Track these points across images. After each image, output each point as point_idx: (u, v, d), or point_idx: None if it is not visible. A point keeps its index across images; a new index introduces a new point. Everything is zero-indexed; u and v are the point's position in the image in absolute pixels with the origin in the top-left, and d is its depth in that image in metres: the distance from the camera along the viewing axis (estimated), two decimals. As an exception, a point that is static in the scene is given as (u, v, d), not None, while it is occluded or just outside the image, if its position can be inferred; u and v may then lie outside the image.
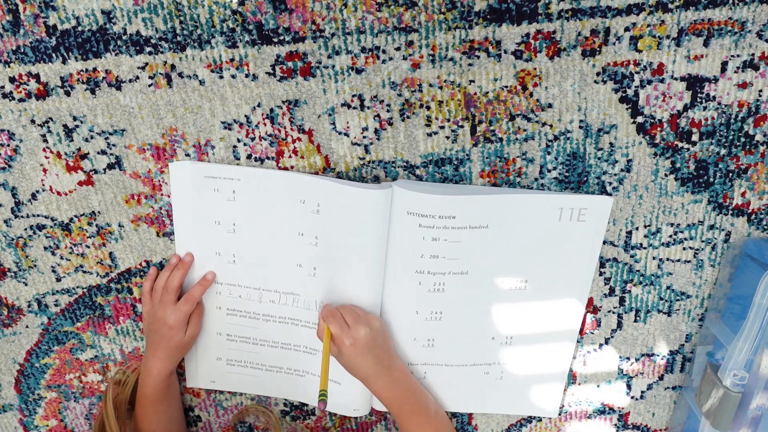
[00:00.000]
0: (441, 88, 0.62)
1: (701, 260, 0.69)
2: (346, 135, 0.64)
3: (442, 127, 0.64)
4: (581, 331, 0.73)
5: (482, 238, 0.65)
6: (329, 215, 0.64)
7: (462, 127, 0.64)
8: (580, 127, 0.63)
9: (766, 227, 0.68)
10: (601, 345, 0.75)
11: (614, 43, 0.60)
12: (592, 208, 0.64)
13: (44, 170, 0.66)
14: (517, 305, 0.70)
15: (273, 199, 0.66)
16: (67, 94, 0.62)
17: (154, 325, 0.69)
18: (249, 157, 0.66)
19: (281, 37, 0.60)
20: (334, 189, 0.63)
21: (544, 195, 0.64)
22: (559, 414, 0.79)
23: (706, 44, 0.59)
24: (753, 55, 0.60)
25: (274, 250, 0.68)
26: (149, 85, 0.62)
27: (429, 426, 0.68)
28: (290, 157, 0.66)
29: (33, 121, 0.64)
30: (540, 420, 0.80)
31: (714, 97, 0.62)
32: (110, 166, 0.66)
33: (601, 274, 0.70)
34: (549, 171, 0.65)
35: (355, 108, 0.63)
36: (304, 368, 0.74)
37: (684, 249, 0.69)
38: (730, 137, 0.63)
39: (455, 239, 0.65)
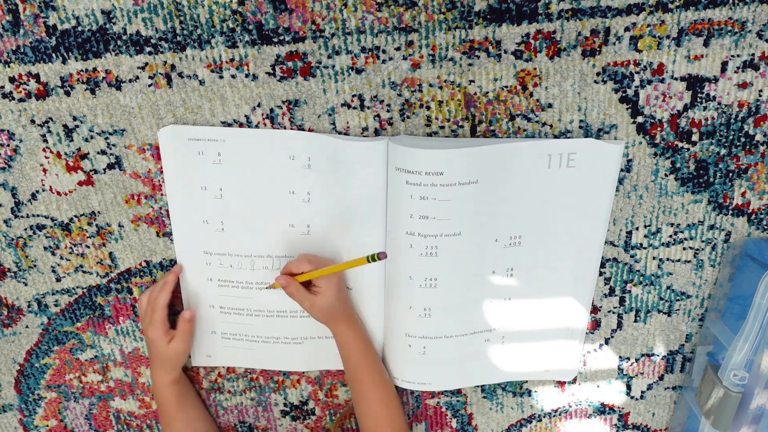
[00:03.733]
0: (441, 88, 0.62)
1: (701, 260, 0.69)
2: (346, 135, 0.64)
3: (442, 127, 0.64)
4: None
5: (472, 194, 0.62)
6: (322, 170, 0.62)
7: (462, 127, 0.64)
8: (580, 127, 0.63)
9: (766, 227, 0.68)
10: (601, 345, 0.75)
11: (614, 43, 0.60)
12: (581, 152, 0.62)
13: (44, 170, 0.66)
14: (514, 262, 0.66)
15: (260, 159, 0.64)
16: (67, 94, 0.62)
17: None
18: (249, 157, 0.66)
19: (281, 37, 0.60)
20: (326, 143, 0.61)
21: (530, 141, 0.62)
22: (573, 379, 0.76)
23: (706, 44, 0.59)
24: (753, 55, 0.60)
25: (264, 212, 0.66)
26: (149, 85, 0.62)
27: (384, 387, 0.70)
28: (290, 157, 0.66)
29: (33, 121, 0.64)
30: (540, 420, 0.80)
31: (714, 97, 0.62)
32: (110, 166, 0.66)
33: (601, 274, 0.70)
34: (549, 171, 0.65)
35: (355, 108, 0.63)
36: (302, 335, 0.73)
37: (684, 249, 0.69)
38: (730, 137, 0.63)
39: (444, 197, 0.61)
